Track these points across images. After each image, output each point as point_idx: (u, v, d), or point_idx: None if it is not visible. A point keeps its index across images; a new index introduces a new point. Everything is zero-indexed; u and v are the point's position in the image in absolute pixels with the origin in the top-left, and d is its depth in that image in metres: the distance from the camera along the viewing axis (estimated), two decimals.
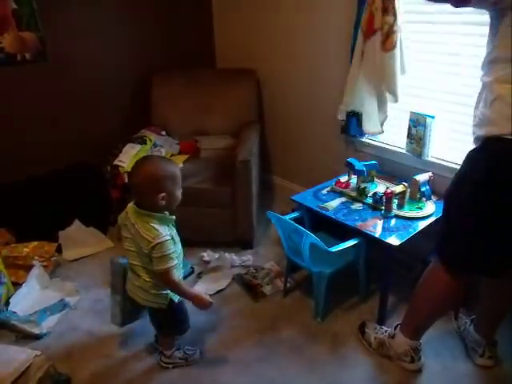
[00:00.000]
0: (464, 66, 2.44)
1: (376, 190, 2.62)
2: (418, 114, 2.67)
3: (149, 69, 3.57)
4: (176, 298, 2.02)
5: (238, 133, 3.30)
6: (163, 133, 3.36)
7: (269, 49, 3.54)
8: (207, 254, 3.01)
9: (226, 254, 2.97)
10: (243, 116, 3.46)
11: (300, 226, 2.26)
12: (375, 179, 2.79)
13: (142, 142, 3.09)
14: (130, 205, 1.93)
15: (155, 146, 3.17)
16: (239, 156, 2.84)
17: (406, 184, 2.49)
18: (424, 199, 2.56)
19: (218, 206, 2.95)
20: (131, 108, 3.61)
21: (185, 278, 2.83)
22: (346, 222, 2.42)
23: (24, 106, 3.16)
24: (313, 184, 2.85)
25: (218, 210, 2.96)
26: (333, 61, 3.06)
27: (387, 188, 2.50)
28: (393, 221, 2.43)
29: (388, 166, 2.88)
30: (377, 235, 2.30)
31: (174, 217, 1.96)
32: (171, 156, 3.23)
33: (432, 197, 2.59)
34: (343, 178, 2.82)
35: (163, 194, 1.83)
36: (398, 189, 2.46)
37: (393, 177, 2.83)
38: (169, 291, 1.99)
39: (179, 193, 1.92)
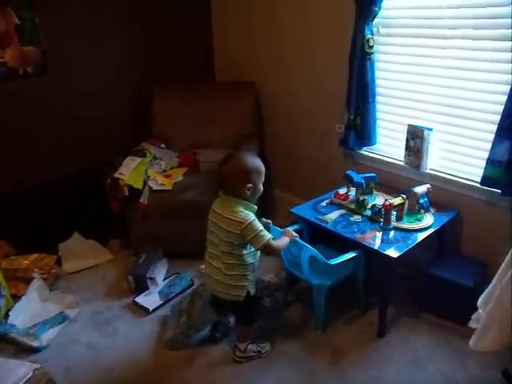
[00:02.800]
0: (460, 79, 2.46)
1: (375, 202, 2.64)
2: (416, 126, 2.69)
3: (149, 82, 3.59)
4: (252, 291, 2.18)
5: (237, 146, 3.31)
6: (163, 145, 3.39)
7: (268, 62, 3.58)
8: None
9: None
10: (242, 129, 3.48)
11: (299, 239, 2.27)
12: (374, 191, 2.80)
13: (142, 154, 3.11)
14: (216, 200, 2.13)
15: (155, 158, 3.20)
16: None
17: (404, 196, 2.50)
18: (423, 211, 2.57)
19: None
20: (132, 120, 3.63)
21: (184, 290, 2.85)
22: (345, 235, 2.43)
23: (25, 119, 3.17)
24: (312, 196, 2.87)
25: None
26: (332, 74, 3.08)
27: (386, 200, 2.52)
28: (392, 233, 2.44)
29: (386, 178, 2.90)
30: (376, 247, 2.32)
31: (255, 206, 2.12)
32: (171, 169, 3.25)
33: (430, 209, 2.60)
34: (342, 190, 2.84)
35: (250, 185, 2.04)
36: (397, 201, 2.47)
37: (391, 188, 2.85)
38: (247, 283, 2.14)
39: (261, 186, 2.12)
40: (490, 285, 1.80)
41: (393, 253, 2.26)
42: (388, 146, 2.97)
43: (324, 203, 2.78)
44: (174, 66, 3.77)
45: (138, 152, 3.14)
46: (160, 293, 2.83)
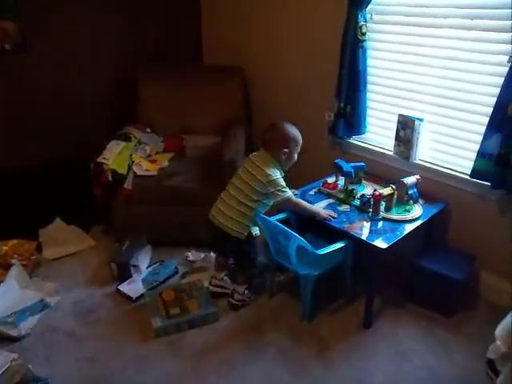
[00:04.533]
0: (453, 69, 2.43)
1: (363, 192, 2.61)
2: (407, 116, 2.66)
3: (136, 64, 3.49)
4: (254, 232, 2.43)
5: (224, 131, 3.26)
6: (148, 130, 3.31)
7: (258, 47, 3.51)
8: (192, 254, 2.96)
9: (212, 254, 2.93)
10: (230, 114, 3.42)
11: (287, 229, 2.23)
12: (363, 181, 2.77)
13: (127, 138, 3.03)
14: (254, 153, 2.44)
15: (140, 143, 3.12)
16: (226, 156, 2.81)
17: (393, 186, 2.47)
18: (411, 202, 2.55)
19: (203, 206, 2.87)
20: (118, 104, 3.52)
21: (168, 278, 2.80)
22: (333, 224, 2.39)
23: (5, 97, 3.07)
24: (300, 185, 2.83)
25: (203, 210, 2.89)
26: (322, 61, 3.04)
27: (375, 190, 2.49)
28: (380, 223, 2.42)
29: (376, 168, 2.87)
30: (364, 238, 2.29)
31: (283, 173, 2.40)
32: (156, 154, 3.18)
33: (419, 200, 2.58)
34: (330, 179, 2.80)
35: (287, 150, 2.35)
36: (386, 191, 2.44)
37: (380, 178, 2.82)
38: (251, 224, 2.39)
39: (295, 156, 2.43)
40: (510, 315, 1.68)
41: (381, 243, 2.24)
42: (378, 135, 2.93)
43: (312, 192, 2.74)
44: (162, 48, 3.68)
45: (123, 136, 3.06)
46: (144, 281, 2.77)
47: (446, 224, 2.68)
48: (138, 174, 2.94)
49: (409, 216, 2.45)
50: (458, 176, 2.55)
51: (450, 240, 2.70)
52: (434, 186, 2.65)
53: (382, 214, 2.45)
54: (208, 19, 3.88)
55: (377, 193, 2.40)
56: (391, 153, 2.82)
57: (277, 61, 3.39)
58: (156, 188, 2.92)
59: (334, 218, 2.43)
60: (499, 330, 1.69)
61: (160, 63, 3.59)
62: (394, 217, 2.45)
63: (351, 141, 3.02)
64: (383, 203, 2.48)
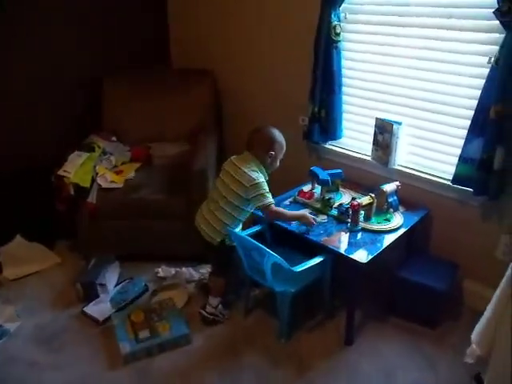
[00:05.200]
0: (432, 71, 2.33)
1: (341, 201, 2.49)
2: (384, 120, 2.55)
3: (100, 68, 3.30)
4: (228, 241, 2.31)
5: (194, 139, 3.09)
6: (114, 138, 3.12)
7: (228, 48, 3.35)
8: (162, 270, 2.81)
9: (183, 269, 2.79)
10: (200, 121, 3.25)
11: (261, 245, 2.09)
12: (340, 188, 2.65)
13: (90, 149, 2.85)
14: (237, 156, 2.34)
15: (105, 153, 2.94)
16: (195, 165, 2.65)
17: (373, 195, 2.35)
18: (392, 210, 2.44)
19: (172, 218, 2.75)
20: (81, 112, 3.32)
21: (138, 296, 2.65)
22: (311, 238, 2.26)
23: None
24: (275, 193, 2.67)
25: (172, 223, 2.76)
26: (295, 63, 2.91)
27: (353, 199, 2.37)
28: (359, 234, 2.30)
29: (353, 174, 2.75)
30: (343, 251, 2.16)
31: (267, 176, 2.33)
32: (122, 164, 3.00)
33: (400, 207, 2.47)
34: (306, 188, 2.68)
35: (273, 153, 2.30)
36: (365, 200, 2.32)
37: (358, 185, 2.71)
38: (225, 232, 2.27)
39: (278, 161, 2.37)
40: (484, 317, 1.62)
41: (361, 257, 2.11)
42: (355, 140, 2.81)
43: (287, 202, 2.61)
44: (127, 50, 3.47)
45: (86, 146, 2.87)
46: (112, 300, 2.61)
47: (428, 231, 2.58)
48: (103, 186, 2.76)
49: (389, 225, 2.34)
50: (439, 182, 2.45)
51: (432, 248, 2.60)
52: (414, 193, 2.54)
53: (362, 224, 2.33)
54: (176, 21, 3.69)
55: (355, 202, 2.27)
56: (369, 158, 2.71)
57: (248, 63, 3.24)
58: (122, 201, 2.75)
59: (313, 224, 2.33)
60: (474, 333, 1.65)
61: (125, 67, 3.40)
62: (374, 227, 2.33)
63: (327, 146, 2.90)
64: (362, 212, 2.35)
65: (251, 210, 2.32)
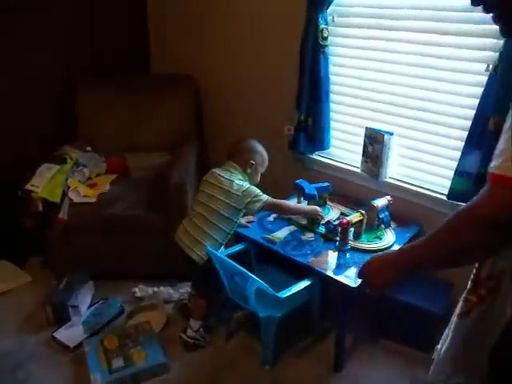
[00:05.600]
0: (427, 78, 2.17)
1: (329, 217, 2.33)
2: (375, 129, 2.39)
3: (75, 74, 3.10)
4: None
5: (173, 149, 2.92)
6: (88, 148, 2.93)
7: (210, 54, 3.17)
8: (139, 290, 2.63)
9: (162, 288, 2.62)
10: (180, 129, 3.07)
11: (244, 270, 1.92)
12: (328, 202, 2.50)
13: (61, 161, 2.66)
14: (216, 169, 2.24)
15: (78, 164, 2.75)
16: (172, 178, 2.48)
17: (363, 211, 2.20)
18: (383, 227, 2.29)
19: (150, 235, 2.58)
20: (54, 120, 3.11)
21: (113, 319, 2.47)
22: (296, 258, 2.10)
23: None
24: None
25: (150, 239, 2.58)
26: (281, 69, 2.74)
27: (342, 215, 2.22)
28: (349, 254, 2.14)
29: (342, 187, 2.60)
30: (331, 274, 2.00)
31: None
32: (97, 176, 2.82)
33: (391, 223, 2.32)
34: (292, 202, 2.52)
35: (253, 162, 2.24)
36: (355, 218, 2.17)
37: (347, 199, 2.56)
38: (217, 248, 2.15)
39: (259, 176, 2.31)
40: None
41: (351, 280, 1.96)
42: (343, 150, 2.66)
43: (271, 217, 2.44)
44: (104, 55, 3.26)
45: (57, 158, 2.67)
46: (84, 323, 2.43)
47: None
48: (75, 201, 2.58)
49: (381, 244, 2.19)
50: (432, 196, 2.30)
51: None
52: (406, 207, 2.39)
53: (351, 242, 2.18)
54: (156, 27, 3.50)
55: (344, 220, 2.11)
56: (358, 170, 2.55)
57: (230, 69, 3.07)
58: (96, 217, 2.57)
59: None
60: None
61: (102, 72, 3.21)
62: (365, 246, 2.18)
63: (314, 157, 2.74)
64: (352, 230, 2.20)
65: (238, 221, 2.24)
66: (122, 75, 3.20)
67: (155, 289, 2.62)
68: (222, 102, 3.21)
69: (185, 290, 2.60)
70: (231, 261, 1.99)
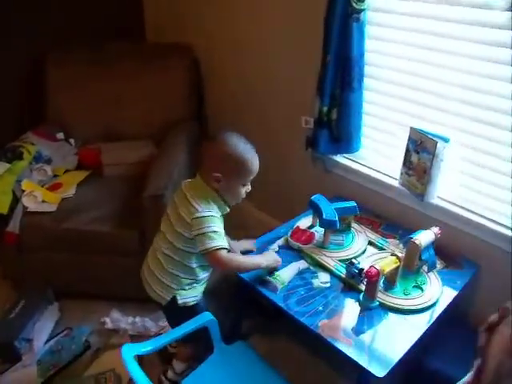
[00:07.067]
0: (495, 61, 1.49)
1: (353, 252, 1.73)
2: (423, 132, 1.74)
3: (44, 41, 2.47)
4: (181, 300, 1.66)
5: (164, 135, 2.33)
6: (60, 135, 2.37)
7: (215, 25, 2.50)
8: (111, 319, 2.11)
9: (137, 319, 2.11)
10: (172, 112, 2.46)
11: None
12: (352, 224, 1.89)
13: (15, 156, 2.10)
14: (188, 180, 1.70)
15: (38, 159, 2.19)
16: (148, 188, 1.91)
17: (399, 256, 1.57)
18: (425, 270, 1.68)
19: (123, 254, 2.04)
20: (16, 99, 2.53)
21: (74, 359, 1.98)
22: (303, 321, 1.51)
23: None
24: (261, 226, 1.96)
25: (123, 259, 2.05)
26: (299, 45, 2.09)
27: (370, 245, 1.60)
28: (375, 313, 1.54)
29: (371, 202, 2.01)
30: (351, 353, 1.41)
31: (228, 209, 1.65)
32: (65, 172, 2.27)
33: (437, 263, 1.70)
34: (305, 222, 1.92)
35: (218, 175, 1.55)
36: (388, 266, 1.54)
37: (378, 220, 1.96)
38: (177, 289, 1.65)
39: (240, 188, 1.62)
40: None
41: (377, 368, 1.36)
42: (377, 154, 2.01)
43: (275, 246, 1.84)
44: (84, 18, 2.61)
45: (9, 152, 2.12)
46: (39, 363, 1.96)
47: (472, 294, 1.80)
48: (31, 209, 2.04)
49: (421, 300, 1.58)
50: (496, 229, 1.67)
51: (473, 316, 1.80)
52: (459, 241, 1.77)
53: (380, 295, 1.58)
54: None
55: (373, 270, 1.49)
56: (396, 183, 1.92)
57: (237, 44, 2.41)
58: (52, 231, 2.02)
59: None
60: None
61: (81, 41, 2.57)
62: (399, 302, 1.57)
63: (338, 159, 2.10)
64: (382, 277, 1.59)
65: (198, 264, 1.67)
66: (103, 45, 2.56)
67: (129, 319, 2.11)
68: (229, 85, 2.57)
69: (164, 323, 2.09)
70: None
